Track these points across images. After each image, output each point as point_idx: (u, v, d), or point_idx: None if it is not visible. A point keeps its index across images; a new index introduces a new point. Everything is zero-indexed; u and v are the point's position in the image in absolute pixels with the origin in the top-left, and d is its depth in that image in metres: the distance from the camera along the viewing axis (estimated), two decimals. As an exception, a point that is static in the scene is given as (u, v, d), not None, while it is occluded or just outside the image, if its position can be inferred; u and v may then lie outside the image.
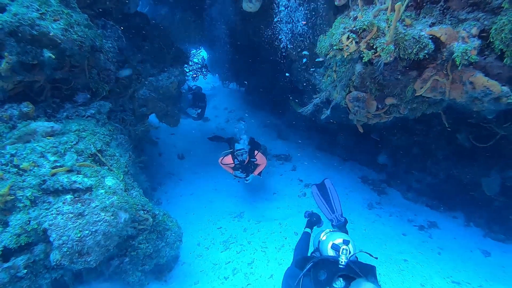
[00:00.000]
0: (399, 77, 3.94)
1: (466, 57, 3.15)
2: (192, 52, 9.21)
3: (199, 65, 8.88)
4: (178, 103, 7.51)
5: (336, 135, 9.24)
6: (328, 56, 3.77)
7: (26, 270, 3.56)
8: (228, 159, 6.80)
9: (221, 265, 5.63)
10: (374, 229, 6.68)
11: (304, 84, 6.78)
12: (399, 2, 3.11)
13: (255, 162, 6.86)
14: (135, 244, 4.43)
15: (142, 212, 4.44)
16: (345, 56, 3.53)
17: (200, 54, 9.55)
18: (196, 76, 9.08)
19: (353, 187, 8.45)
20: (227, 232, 6.52)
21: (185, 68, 7.03)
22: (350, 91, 4.44)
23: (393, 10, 3.25)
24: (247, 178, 6.85)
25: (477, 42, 3.15)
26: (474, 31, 3.19)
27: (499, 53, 3.16)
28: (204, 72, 9.00)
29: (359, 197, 7.96)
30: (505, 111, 4.93)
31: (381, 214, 7.39)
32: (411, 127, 7.45)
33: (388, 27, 3.29)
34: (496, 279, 5.61)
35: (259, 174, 7.14)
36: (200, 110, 10.78)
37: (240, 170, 6.79)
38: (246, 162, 6.72)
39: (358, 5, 3.71)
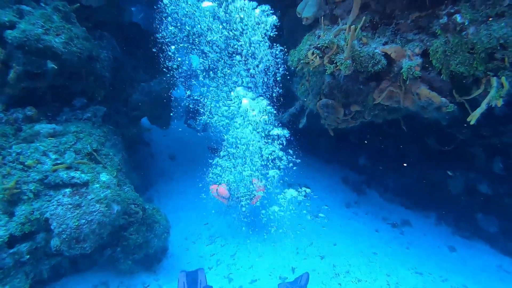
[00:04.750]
0: (361, 87, 4.50)
1: (411, 72, 3.71)
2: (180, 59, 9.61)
3: (189, 72, 9.36)
4: (169, 107, 7.98)
5: (318, 138, 9.78)
6: (297, 69, 4.32)
7: (28, 256, 4.03)
8: (224, 190, 6.17)
9: (206, 257, 6.12)
10: (349, 226, 7.22)
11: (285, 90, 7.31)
12: (354, 25, 3.66)
13: (255, 192, 6.22)
14: (127, 235, 4.91)
15: (133, 205, 4.93)
16: (311, 69, 4.07)
17: (188, 62, 9.94)
18: (186, 83, 9.55)
19: (333, 187, 8.99)
20: (213, 227, 7.01)
21: (175, 74, 7.53)
22: (320, 99, 4.99)
23: (350, 30, 3.80)
24: (244, 209, 6.35)
25: (419, 60, 3.71)
26: (417, 50, 3.75)
27: (438, 70, 3.71)
28: (194, 79, 9.45)
29: (338, 197, 8.50)
30: (463, 118, 5.52)
31: (358, 212, 7.93)
32: (385, 131, 8.01)
33: (346, 45, 3.84)
34: (456, 272, 6.16)
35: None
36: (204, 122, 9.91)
37: (236, 200, 6.28)
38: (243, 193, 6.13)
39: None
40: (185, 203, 7.90)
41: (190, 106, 10.44)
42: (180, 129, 11.01)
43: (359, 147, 9.17)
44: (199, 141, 11.02)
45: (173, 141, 10.52)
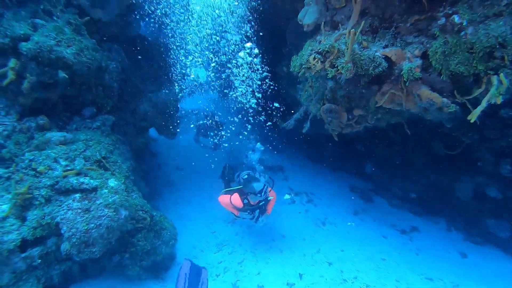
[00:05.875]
0: (363, 91, 4.57)
1: (412, 74, 3.77)
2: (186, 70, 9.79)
3: (195, 83, 9.54)
4: (176, 118, 8.11)
5: (325, 146, 9.81)
6: (299, 74, 4.42)
7: (40, 260, 4.12)
8: (238, 200, 5.71)
9: (214, 265, 6.12)
10: (357, 232, 7.17)
11: (291, 99, 7.42)
12: (353, 29, 3.76)
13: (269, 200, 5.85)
14: (135, 241, 4.98)
15: (141, 212, 5.01)
16: (312, 74, 4.16)
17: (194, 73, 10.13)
18: (192, 93, 9.72)
19: (341, 195, 8.96)
20: (221, 236, 7.03)
21: (181, 85, 7.70)
22: (324, 104, 5.06)
23: (350, 35, 3.89)
24: (259, 219, 5.92)
25: (419, 62, 3.77)
26: (417, 52, 3.82)
27: (438, 71, 3.77)
28: (200, 90, 9.62)
29: (345, 204, 8.46)
30: (466, 121, 5.53)
31: (365, 219, 7.88)
32: (391, 137, 8.02)
33: (347, 49, 3.93)
34: (467, 276, 6.06)
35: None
36: (217, 139, 9.73)
37: (249, 211, 5.87)
38: (260, 202, 5.73)
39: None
40: (192, 212, 7.94)
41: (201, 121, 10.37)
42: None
43: (365, 154, 9.18)
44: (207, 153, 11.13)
45: (180, 152, 10.64)
